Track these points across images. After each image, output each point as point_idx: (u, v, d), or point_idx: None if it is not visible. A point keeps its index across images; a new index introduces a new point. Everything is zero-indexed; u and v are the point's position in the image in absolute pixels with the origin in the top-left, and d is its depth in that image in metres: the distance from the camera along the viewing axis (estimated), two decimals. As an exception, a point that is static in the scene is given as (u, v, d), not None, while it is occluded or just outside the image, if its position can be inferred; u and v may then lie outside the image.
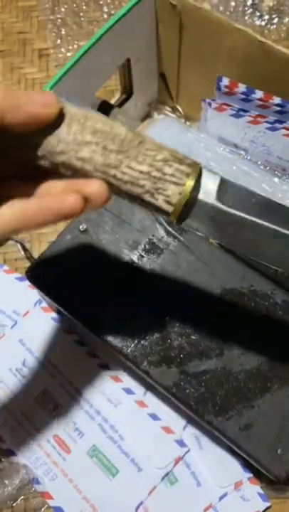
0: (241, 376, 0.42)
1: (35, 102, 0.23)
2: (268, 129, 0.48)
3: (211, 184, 0.26)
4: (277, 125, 0.47)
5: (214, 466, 0.48)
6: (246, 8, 0.72)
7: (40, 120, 0.23)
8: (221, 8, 0.72)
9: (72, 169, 0.24)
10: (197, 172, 0.25)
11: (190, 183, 0.24)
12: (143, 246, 0.45)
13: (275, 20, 0.71)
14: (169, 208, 0.25)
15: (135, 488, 0.48)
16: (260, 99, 0.47)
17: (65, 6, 0.75)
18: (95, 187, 0.24)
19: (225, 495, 0.47)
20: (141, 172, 0.24)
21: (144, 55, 0.56)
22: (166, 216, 0.26)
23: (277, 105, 0.47)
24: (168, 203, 0.25)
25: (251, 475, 0.48)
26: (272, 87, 0.47)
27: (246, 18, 0.71)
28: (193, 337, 0.43)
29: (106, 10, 0.75)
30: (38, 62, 0.72)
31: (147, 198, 0.25)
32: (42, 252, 0.45)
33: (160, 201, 0.25)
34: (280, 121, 0.48)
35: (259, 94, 0.47)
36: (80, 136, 0.24)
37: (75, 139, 0.24)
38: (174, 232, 0.46)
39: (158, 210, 0.25)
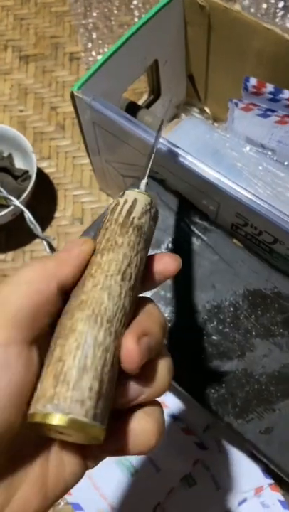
0: (263, 378, 0.41)
1: None
2: (296, 129, 0.47)
3: None
4: (305, 125, 0.47)
5: (234, 470, 0.48)
6: (278, 10, 0.71)
7: None
8: (252, 9, 0.72)
9: None
10: None
11: None
12: (166, 245, 0.45)
13: (307, 22, 0.70)
14: None
15: (153, 488, 0.47)
16: (288, 99, 0.47)
17: (97, 11, 0.76)
18: None
19: (244, 500, 0.47)
20: None
21: (172, 57, 0.56)
22: None
23: (306, 105, 0.46)
24: None
25: (272, 481, 0.47)
26: (301, 86, 0.47)
27: (277, 20, 0.71)
28: (214, 337, 0.42)
29: (137, 14, 0.76)
30: (69, 66, 0.74)
31: None
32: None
33: None
34: (309, 121, 0.47)
35: (287, 94, 0.46)
36: None
37: None
38: (197, 231, 0.46)
39: None
